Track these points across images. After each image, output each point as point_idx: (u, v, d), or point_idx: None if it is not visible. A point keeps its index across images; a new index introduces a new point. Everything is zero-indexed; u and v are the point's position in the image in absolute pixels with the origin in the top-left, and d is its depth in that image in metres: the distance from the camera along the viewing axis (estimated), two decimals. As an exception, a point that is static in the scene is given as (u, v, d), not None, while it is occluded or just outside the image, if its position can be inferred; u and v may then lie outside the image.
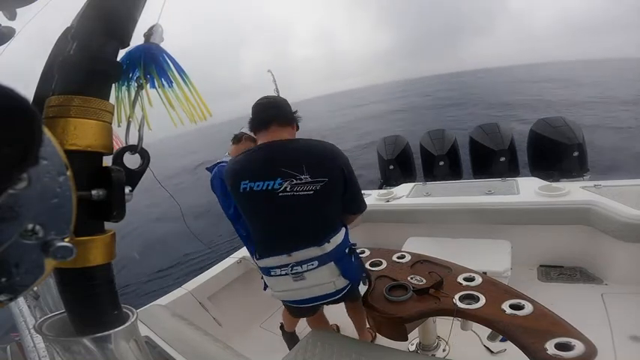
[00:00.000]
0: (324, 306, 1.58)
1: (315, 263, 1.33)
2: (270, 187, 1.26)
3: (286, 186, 1.26)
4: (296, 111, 1.43)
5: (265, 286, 1.50)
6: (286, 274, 1.36)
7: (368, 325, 1.82)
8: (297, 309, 1.54)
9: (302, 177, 1.25)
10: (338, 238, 1.38)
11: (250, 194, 1.30)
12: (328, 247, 1.34)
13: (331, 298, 1.43)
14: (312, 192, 1.26)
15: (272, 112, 1.34)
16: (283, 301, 1.55)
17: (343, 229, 1.43)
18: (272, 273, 1.40)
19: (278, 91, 2.43)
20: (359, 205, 1.50)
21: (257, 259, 1.44)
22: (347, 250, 1.43)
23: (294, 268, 1.34)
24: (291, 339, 2.04)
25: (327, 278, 1.36)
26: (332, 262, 1.35)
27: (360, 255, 1.80)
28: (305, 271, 1.34)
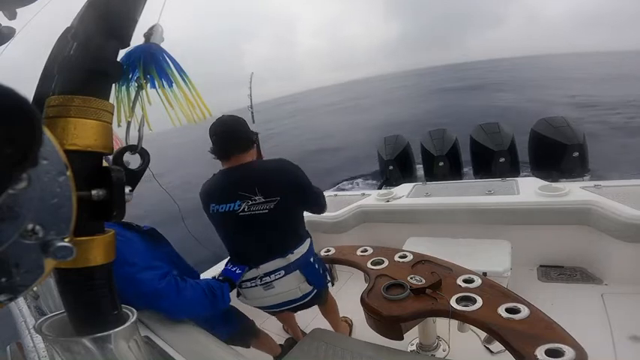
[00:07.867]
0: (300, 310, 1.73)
1: (282, 272, 1.48)
2: (231, 209, 1.44)
3: (244, 207, 1.43)
4: (254, 133, 1.55)
5: (238, 294, 1.61)
6: (257, 285, 1.50)
7: (342, 317, 2.04)
8: (269, 312, 1.72)
9: (256, 198, 1.42)
10: (303, 249, 1.54)
11: (218, 215, 1.48)
12: (292, 257, 1.49)
13: (299, 302, 1.57)
14: (267, 210, 1.42)
15: (230, 145, 1.48)
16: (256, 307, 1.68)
17: (308, 240, 1.59)
18: (244, 286, 1.53)
19: (251, 95, 2.44)
20: (320, 209, 1.69)
21: None
22: (312, 259, 1.58)
23: (264, 279, 1.49)
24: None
25: (293, 285, 1.51)
26: (297, 270, 1.51)
27: (362, 253, 1.83)
28: (273, 280, 1.49)
